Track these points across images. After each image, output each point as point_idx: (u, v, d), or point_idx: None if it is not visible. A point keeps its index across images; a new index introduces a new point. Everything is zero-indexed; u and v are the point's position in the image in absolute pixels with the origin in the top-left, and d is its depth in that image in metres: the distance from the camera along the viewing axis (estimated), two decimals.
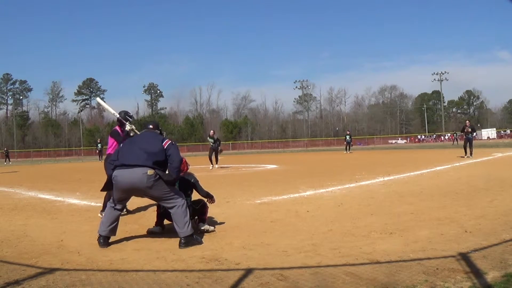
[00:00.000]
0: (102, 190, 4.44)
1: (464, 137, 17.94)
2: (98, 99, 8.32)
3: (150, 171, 3.96)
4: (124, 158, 4.08)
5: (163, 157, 4.10)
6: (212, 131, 17.67)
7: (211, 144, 16.67)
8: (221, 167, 16.80)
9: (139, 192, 4.11)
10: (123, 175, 4.00)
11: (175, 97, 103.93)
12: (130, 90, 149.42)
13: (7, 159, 40.27)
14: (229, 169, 16.38)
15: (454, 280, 2.71)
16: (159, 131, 4.55)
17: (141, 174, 3.93)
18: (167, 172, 4.16)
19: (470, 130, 17.57)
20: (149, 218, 5.60)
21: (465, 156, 16.92)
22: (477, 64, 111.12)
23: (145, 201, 6.11)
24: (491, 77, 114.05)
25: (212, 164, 16.53)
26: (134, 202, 5.34)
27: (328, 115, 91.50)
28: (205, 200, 4.81)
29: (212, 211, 5.85)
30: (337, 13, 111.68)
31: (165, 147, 4.13)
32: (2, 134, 77.58)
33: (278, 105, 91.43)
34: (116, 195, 4.16)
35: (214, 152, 16.70)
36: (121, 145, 4.48)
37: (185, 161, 4.75)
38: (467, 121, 19.08)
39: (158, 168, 4.03)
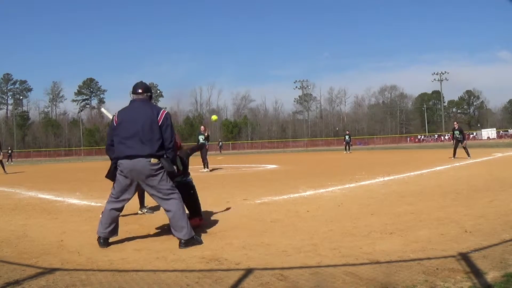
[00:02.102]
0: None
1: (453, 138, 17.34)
2: (103, 109, 8.16)
3: (154, 160, 3.96)
4: (125, 148, 3.97)
5: (160, 135, 3.98)
6: (202, 127, 15.78)
7: (202, 141, 14.41)
8: (212, 170, 15.19)
9: (141, 177, 3.99)
10: (128, 163, 3.97)
11: (175, 97, 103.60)
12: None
13: (10, 159, 40.28)
14: (229, 169, 16.38)
15: (454, 280, 2.71)
16: (150, 94, 4.26)
17: (145, 162, 3.92)
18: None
19: (457, 131, 17.00)
20: (149, 218, 5.61)
21: (452, 158, 16.23)
22: (477, 64, 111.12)
23: (145, 201, 6.11)
24: (491, 77, 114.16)
25: (205, 166, 14.56)
26: (134, 202, 5.32)
27: (328, 115, 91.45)
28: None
29: (212, 211, 5.85)
30: (337, 13, 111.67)
31: (159, 123, 3.98)
32: (2, 134, 77.56)
33: (278, 105, 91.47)
34: (118, 186, 4.08)
35: (205, 152, 14.63)
36: (117, 125, 4.10)
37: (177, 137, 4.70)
38: (455, 122, 18.77)
39: (162, 156, 4.00)
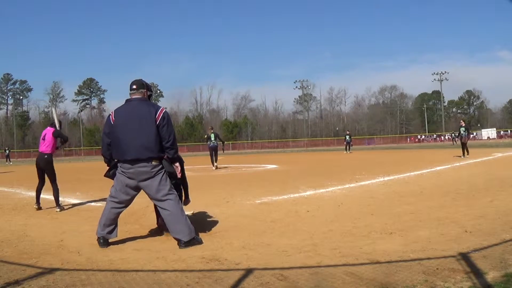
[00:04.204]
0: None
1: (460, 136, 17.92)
2: (53, 109, 8.83)
3: (155, 161, 3.96)
4: (126, 151, 3.94)
5: (159, 135, 3.96)
6: (210, 127, 17.26)
7: (212, 142, 15.79)
8: (219, 168, 16.40)
9: (142, 178, 3.98)
10: (129, 166, 3.96)
11: (175, 97, 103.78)
12: None
13: (8, 159, 40.15)
14: (229, 169, 16.37)
15: (454, 280, 2.71)
16: (149, 93, 4.22)
17: (146, 165, 3.93)
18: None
19: (463, 128, 17.50)
20: (149, 218, 5.60)
21: (462, 156, 16.85)
22: (477, 64, 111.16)
23: (146, 201, 6.10)
24: (491, 77, 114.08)
25: (213, 164, 15.90)
26: (135, 201, 5.31)
27: (328, 115, 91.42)
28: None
29: (212, 211, 5.85)
30: (337, 13, 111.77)
31: (157, 122, 3.93)
32: (2, 134, 77.60)
33: (278, 105, 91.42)
34: (118, 186, 4.07)
35: (214, 151, 15.93)
36: (115, 126, 4.02)
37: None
38: (461, 121, 19.21)
39: (162, 157, 4.01)
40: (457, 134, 18.91)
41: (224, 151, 19.64)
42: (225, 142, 20.12)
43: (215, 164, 15.97)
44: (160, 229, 4.57)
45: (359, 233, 4.22)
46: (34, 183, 7.12)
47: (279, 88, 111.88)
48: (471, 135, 17.92)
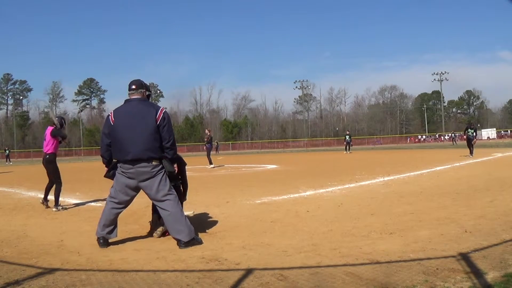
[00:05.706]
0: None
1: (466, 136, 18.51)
2: (50, 110, 9.16)
3: (155, 161, 3.96)
4: (126, 152, 3.93)
5: (159, 135, 3.96)
6: (207, 130, 18.36)
7: (209, 144, 17.41)
8: (215, 167, 17.24)
9: (142, 179, 3.98)
10: (129, 167, 3.96)
11: (175, 97, 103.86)
12: None
13: (7, 159, 40.15)
14: (229, 169, 16.39)
15: (454, 280, 2.71)
16: (148, 93, 4.23)
17: (146, 165, 3.93)
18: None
19: (472, 130, 18.06)
20: (149, 218, 5.59)
21: (468, 155, 17.33)
22: (477, 64, 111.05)
23: (146, 201, 6.10)
24: (491, 77, 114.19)
25: (211, 163, 17.11)
26: (136, 201, 5.31)
27: (328, 115, 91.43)
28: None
29: (212, 211, 5.86)
30: (338, 13, 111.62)
31: (158, 123, 3.93)
32: (2, 134, 77.64)
33: (278, 105, 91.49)
34: (117, 186, 4.07)
35: (209, 152, 17.39)
36: (114, 126, 4.01)
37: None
38: (470, 123, 19.86)
39: (162, 157, 4.01)
40: (457, 134, 19.92)
41: (218, 151, 21.48)
42: (218, 143, 22.32)
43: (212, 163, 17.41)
44: (151, 230, 4.58)
45: (359, 233, 4.22)
46: (34, 183, 7.16)
47: (279, 88, 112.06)
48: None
